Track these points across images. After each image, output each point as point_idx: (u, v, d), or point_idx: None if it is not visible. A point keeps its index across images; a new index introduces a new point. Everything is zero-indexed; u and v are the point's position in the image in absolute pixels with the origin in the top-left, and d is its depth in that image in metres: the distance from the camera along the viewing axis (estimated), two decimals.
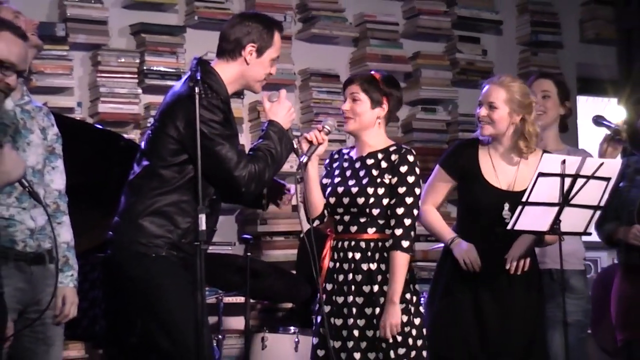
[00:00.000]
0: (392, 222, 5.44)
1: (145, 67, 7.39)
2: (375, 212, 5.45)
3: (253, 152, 5.13)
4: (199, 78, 4.98)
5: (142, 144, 5.26)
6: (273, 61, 5.24)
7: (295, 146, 5.29)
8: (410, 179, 5.45)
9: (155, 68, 7.41)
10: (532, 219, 5.45)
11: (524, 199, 5.39)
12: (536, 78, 6.41)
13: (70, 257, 5.18)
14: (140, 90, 7.41)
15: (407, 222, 5.43)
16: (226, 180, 5.06)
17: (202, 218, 4.88)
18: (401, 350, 5.41)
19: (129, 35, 7.50)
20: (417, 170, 5.49)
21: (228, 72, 5.19)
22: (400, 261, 5.38)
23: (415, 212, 5.48)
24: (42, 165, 5.06)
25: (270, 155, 5.10)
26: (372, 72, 5.71)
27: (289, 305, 6.90)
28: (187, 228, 5.02)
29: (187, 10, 7.62)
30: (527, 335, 5.68)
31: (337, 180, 5.57)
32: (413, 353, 5.43)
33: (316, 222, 5.61)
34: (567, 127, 6.47)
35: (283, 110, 5.23)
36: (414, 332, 5.46)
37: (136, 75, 7.39)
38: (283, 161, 5.22)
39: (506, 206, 5.65)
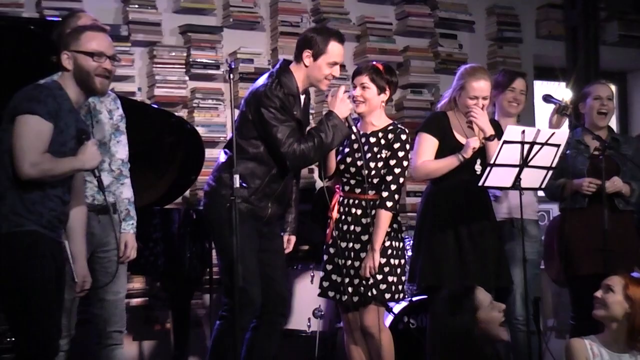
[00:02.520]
0: (382, 186, 5.45)
1: (191, 59, 7.29)
2: (375, 180, 5.48)
3: (307, 134, 5.24)
4: (275, 76, 5.25)
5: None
6: (330, 65, 5.26)
7: (351, 133, 5.37)
8: (400, 154, 5.49)
9: (198, 60, 7.31)
10: (498, 178, 5.42)
11: (491, 162, 5.36)
12: (515, 77, 6.32)
13: (131, 210, 5.16)
14: (187, 78, 7.31)
15: (393, 187, 5.45)
16: (276, 155, 5.20)
17: (236, 177, 4.81)
18: (382, 286, 5.44)
19: (178, 34, 7.39)
20: (407, 146, 5.54)
21: (298, 72, 5.31)
22: (383, 217, 5.41)
23: (401, 180, 5.49)
24: (107, 139, 5.06)
25: (319, 138, 5.20)
26: (375, 63, 5.69)
27: (306, 247, 6.84)
28: (255, 188, 5.18)
29: (224, 14, 7.51)
30: (494, 266, 5.62)
31: (346, 150, 5.58)
32: (392, 288, 5.47)
33: (326, 181, 5.58)
34: None
35: (340, 103, 5.29)
36: (392, 271, 5.48)
37: (184, 66, 7.29)
38: (334, 144, 5.30)
39: (478, 161, 5.60)
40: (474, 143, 5.51)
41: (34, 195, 4.24)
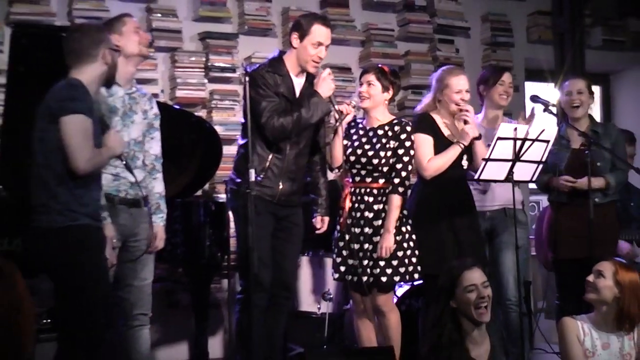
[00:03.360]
0: (393, 174, 5.46)
1: (209, 64, 7.30)
2: (385, 169, 5.49)
3: (290, 109, 5.31)
4: (267, 61, 5.44)
5: None
6: (315, 45, 5.34)
7: (332, 110, 5.39)
8: (407, 144, 5.51)
9: (216, 64, 7.32)
10: (492, 171, 5.45)
11: (486, 157, 5.40)
12: (503, 72, 6.34)
13: (161, 204, 5.19)
14: (206, 81, 7.31)
15: (403, 174, 5.47)
16: (259, 124, 5.24)
17: (252, 172, 4.90)
18: (394, 263, 5.43)
19: (197, 41, 7.39)
20: (412, 137, 5.54)
21: (290, 57, 5.42)
22: (396, 202, 5.42)
23: (410, 167, 5.50)
24: (142, 138, 5.10)
25: (298, 113, 5.27)
26: (381, 65, 5.75)
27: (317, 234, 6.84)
28: (262, 168, 5.29)
29: (239, 21, 7.51)
30: (482, 252, 5.71)
31: (356, 144, 5.58)
32: (402, 269, 5.46)
33: (335, 171, 5.67)
34: None
35: (322, 82, 5.36)
36: (407, 253, 5.48)
37: (203, 70, 7.30)
38: (313, 119, 5.33)
39: (464, 156, 5.64)
40: (471, 131, 5.55)
41: (81, 189, 4.28)
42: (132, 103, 5.08)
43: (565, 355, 4.34)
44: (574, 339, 4.31)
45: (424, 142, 5.61)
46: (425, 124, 5.66)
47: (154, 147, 5.18)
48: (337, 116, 5.44)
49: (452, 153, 5.56)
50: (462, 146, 5.55)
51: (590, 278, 4.39)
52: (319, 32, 5.36)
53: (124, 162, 4.71)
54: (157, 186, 5.21)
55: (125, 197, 5.00)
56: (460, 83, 5.67)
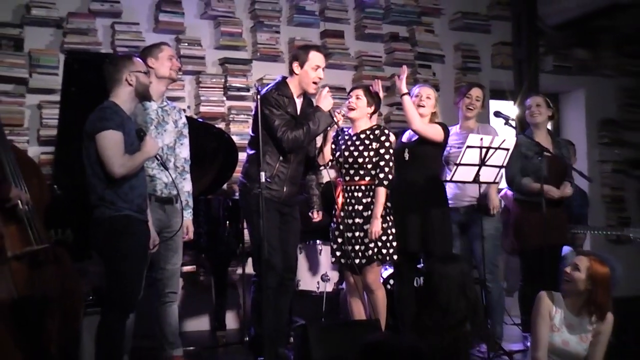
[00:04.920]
0: (377, 170, 5.47)
1: (228, 84, 7.30)
2: (369, 166, 5.49)
3: (299, 124, 5.29)
4: (274, 85, 5.39)
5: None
6: (314, 69, 5.39)
7: (333, 121, 5.41)
8: (387, 144, 5.53)
9: (233, 85, 7.32)
10: (462, 174, 5.46)
11: (457, 162, 5.40)
12: (472, 87, 6.35)
13: (190, 201, 5.26)
14: (225, 98, 7.32)
15: (386, 169, 5.48)
16: (275, 140, 5.24)
17: (262, 174, 4.91)
18: (379, 244, 5.45)
19: (218, 65, 7.40)
20: (391, 140, 5.61)
21: (292, 81, 5.42)
22: (381, 193, 5.45)
23: (391, 163, 5.50)
24: (173, 144, 5.17)
25: (307, 126, 5.28)
26: (369, 86, 5.76)
27: (314, 226, 6.84)
28: (271, 174, 5.26)
29: (252, 49, 7.53)
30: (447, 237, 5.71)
31: (343, 147, 5.58)
32: (385, 250, 5.46)
33: (322, 168, 5.76)
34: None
35: (323, 99, 5.41)
36: (390, 238, 5.49)
37: (222, 89, 7.30)
38: (319, 130, 5.37)
39: (406, 150, 5.72)
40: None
41: (125, 188, 4.37)
42: (164, 115, 5.14)
43: (534, 324, 4.30)
44: (545, 313, 4.27)
45: None
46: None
47: (184, 151, 5.24)
48: (337, 127, 5.49)
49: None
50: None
51: (568, 269, 4.31)
52: (316, 57, 5.42)
53: (160, 162, 4.79)
54: (186, 185, 5.26)
55: (160, 195, 5.05)
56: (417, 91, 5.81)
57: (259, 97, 5.11)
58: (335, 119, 5.42)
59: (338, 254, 5.57)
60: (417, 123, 5.62)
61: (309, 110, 5.43)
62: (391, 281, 6.15)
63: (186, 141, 5.28)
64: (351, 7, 8.05)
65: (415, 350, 2.89)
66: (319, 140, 5.63)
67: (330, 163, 5.64)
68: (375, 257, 5.44)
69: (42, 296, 4.36)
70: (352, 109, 5.60)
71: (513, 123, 6.13)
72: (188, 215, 5.23)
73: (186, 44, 7.17)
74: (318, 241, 6.31)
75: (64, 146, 5.59)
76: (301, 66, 5.38)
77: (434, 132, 5.66)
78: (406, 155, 5.69)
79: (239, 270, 6.85)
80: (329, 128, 5.48)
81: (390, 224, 5.50)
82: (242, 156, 6.51)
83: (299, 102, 5.46)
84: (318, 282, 6.24)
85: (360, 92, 5.65)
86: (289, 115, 5.34)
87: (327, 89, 5.54)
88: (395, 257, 5.52)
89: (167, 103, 5.26)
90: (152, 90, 4.97)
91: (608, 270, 4.28)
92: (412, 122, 5.62)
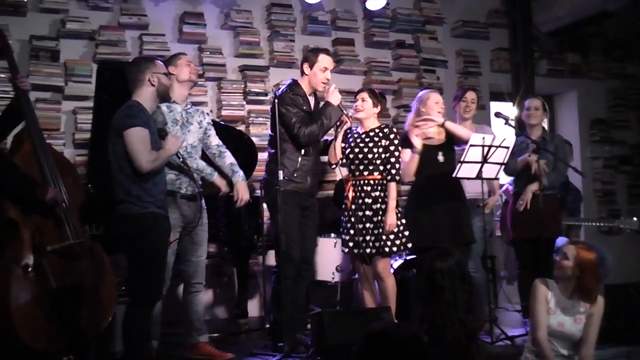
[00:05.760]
0: (389, 166, 5.45)
1: (247, 89, 7.26)
2: (378, 162, 5.47)
3: (313, 119, 5.29)
4: (287, 87, 5.40)
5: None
6: (322, 70, 5.41)
7: (343, 113, 5.43)
8: (396, 142, 5.51)
9: (252, 90, 7.28)
10: (466, 171, 5.40)
11: (461, 160, 5.34)
12: (467, 91, 6.34)
13: (235, 167, 5.32)
14: (244, 103, 7.27)
15: (397, 166, 5.47)
16: (291, 135, 5.24)
17: (280, 173, 4.99)
18: (391, 237, 5.41)
19: (238, 72, 7.35)
20: (399, 137, 5.54)
21: (303, 82, 5.45)
22: (394, 187, 5.45)
23: (400, 159, 5.48)
24: (197, 143, 5.14)
25: (321, 121, 5.31)
26: (373, 88, 5.84)
27: (329, 220, 6.81)
28: (295, 168, 5.26)
29: (270, 57, 7.49)
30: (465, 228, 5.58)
31: (353, 144, 5.56)
32: (398, 241, 5.43)
33: (333, 167, 5.63)
34: None
35: (331, 95, 5.42)
36: (401, 229, 5.45)
37: (242, 94, 7.26)
38: (332, 123, 5.39)
39: (440, 152, 5.56)
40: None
41: (150, 184, 4.30)
42: (188, 116, 5.14)
43: (533, 308, 4.28)
44: (542, 298, 4.25)
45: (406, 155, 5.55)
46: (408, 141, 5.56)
47: (214, 140, 5.28)
48: (345, 119, 5.48)
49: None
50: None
51: (557, 258, 4.32)
52: (324, 60, 5.44)
53: (181, 159, 4.77)
54: (228, 158, 5.29)
55: (185, 193, 5.01)
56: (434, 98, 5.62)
57: (275, 99, 5.18)
58: (344, 110, 5.44)
59: (350, 244, 5.54)
60: (468, 135, 5.43)
61: (321, 106, 5.45)
62: (401, 271, 6.10)
63: (213, 132, 5.31)
64: (360, 17, 8.00)
65: (416, 339, 2.84)
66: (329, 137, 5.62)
67: (340, 162, 5.60)
68: (386, 247, 5.39)
69: (78, 287, 4.33)
70: (360, 111, 5.60)
71: (512, 123, 6.11)
72: (239, 178, 5.22)
73: (208, 53, 7.14)
74: (332, 234, 6.26)
75: (97, 148, 5.57)
76: (311, 67, 5.41)
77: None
78: (440, 158, 5.55)
79: (260, 262, 6.82)
80: (338, 129, 5.51)
81: (399, 215, 5.46)
82: (261, 156, 6.52)
83: (311, 99, 5.48)
84: (333, 273, 6.19)
85: (365, 94, 5.66)
86: (304, 112, 5.35)
87: (334, 85, 5.53)
88: (408, 245, 5.46)
89: (190, 106, 5.26)
90: (176, 94, 5.01)
91: (595, 257, 4.26)
92: (466, 137, 5.40)
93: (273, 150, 5.30)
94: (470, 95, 6.25)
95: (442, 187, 5.53)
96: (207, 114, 5.49)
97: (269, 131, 5.51)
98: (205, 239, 5.19)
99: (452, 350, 3.63)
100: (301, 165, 5.31)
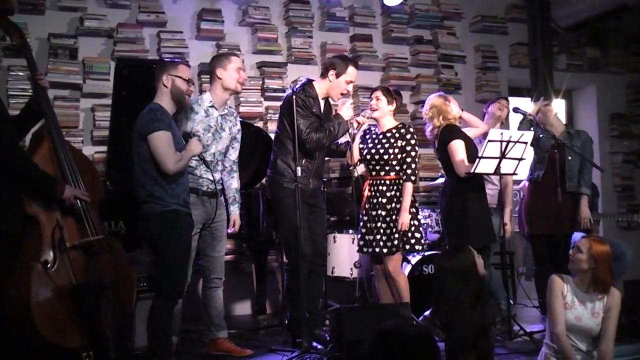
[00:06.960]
0: (404, 166, 5.45)
1: (265, 86, 7.27)
2: (394, 162, 5.47)
3: (322, 127, 5.29)
4: (300, 87, 5.35)
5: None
6: (347, 82, 5.42)
7: (349, 129, 5.43)
8: (412, 142, 5.51)
9: (270, 86, 7.29)
10: (484, 166, 5.38)
11: (479, 155, 5.33)
12: (497, 99, 6.58)
13: (237, 196, 5.30)
14: (262, 99, 7.28)
15: (412, 166, 5.48)
16: (300, 140, 5.20)
17: (299, 169, 5.04)
18: (404, 239, 5.44)
19: (256, 68, 7.36)
20: (415, 137, 5.54)
21: (320, 85, 5.43)
22: (409, 187, 5.45)
23: (417, 160, 5.52)
24: (225, 149, 5.19)
25: (329, 130, 5.30)
26: (387, 86, 5.85)
27: (347, 217, 6.80)
28: (300, 169, 5.20)
29: (287, 53, 7.49)
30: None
31: (370, 145, 5.57)
32: (412, 241, 5.45)
33: (352, 168, 5.66)
34: None
35: (344, 109, 5.41)
36: (412, 229, 5.47)
37: (260, 91, 7.27)
38: (339, 135, 5.38)
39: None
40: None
41: (173, 184, 4.40)
42: (222, 122, 5.16)
43: (550, 304, 4.28)
44: (559, 293, 4.25)
45: (462, 146, 5.52)
46: (461, 133, 5.63)
47: (233, 154, 5.28)
48: (354, 127, 5.50)
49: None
50: None
51: (572, 252, 4.35)
52: (352, 73, 5.44)
53: (202, 160, 4.85)
54: (234, 183, 5.30)
55: (207, 190, 5.06)
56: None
57: (293, 94, 5.18)
58: (353, 126, 5.46)
59: (361, 243, 5.59)
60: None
61: (331, 115, 5.43)
62: (419, 267, 6.09)
63: (237, 145, 5.31)
64: (378, 13, 7.99)
65: (425, 337, 2.86)
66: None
67: (358, 162, 5.63)
68: (397, 247, 5.42)
69: (97, 282, 4.36)
70: (375, 110, 5.60)
71: (530, 117, 6.06)
72: (235, 209, 5.28)
73: (226, 50, 7.10)
74: (351, 231, 6.26)
75: (115, 145, 5.59)
76: (337, 76, 5.39)
77: None
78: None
79: (278, 258, 6.83)
80: (355, 131, 5.55)
81: (414, 215, 5.47)
82: None
83: (322, 102, 5.46)
84: (351, 269, 6.18)
85: (379, 93, 5.65)
86: (314, 116, 5.33)
87: (350, 100, 5.60)
88: (417, 247, 5.48)
89: (228, 110, 5.28)
90: (217, 99, 5.11)
91: (608, 248, 4.29)
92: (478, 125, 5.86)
93: (277, 148, 5.32)
94: (503, 102, 6.48)
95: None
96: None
97: (276, 128, 5.51)
98: (224, 234, 5.22)
99: (464, 346, 3.68)
100: (304, 168, 5.30)
